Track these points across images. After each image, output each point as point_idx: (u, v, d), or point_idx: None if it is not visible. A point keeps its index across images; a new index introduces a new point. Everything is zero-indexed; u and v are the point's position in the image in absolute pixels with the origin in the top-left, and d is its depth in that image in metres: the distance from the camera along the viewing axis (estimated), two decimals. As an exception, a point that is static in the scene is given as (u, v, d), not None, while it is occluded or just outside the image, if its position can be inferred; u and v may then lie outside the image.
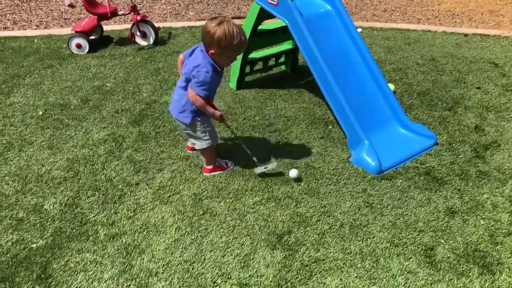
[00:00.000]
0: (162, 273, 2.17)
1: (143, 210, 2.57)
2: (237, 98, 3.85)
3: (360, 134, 3.06)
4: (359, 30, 5.47)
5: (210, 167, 2.87)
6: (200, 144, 2.74)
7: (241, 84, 4.02)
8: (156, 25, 5.09)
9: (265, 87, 4.06)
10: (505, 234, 2.47)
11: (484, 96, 3.98)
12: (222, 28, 2.29)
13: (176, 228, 2.44)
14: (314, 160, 3.06)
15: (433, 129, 3.44)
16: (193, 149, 3.08)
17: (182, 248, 2.32)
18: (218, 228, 2.46)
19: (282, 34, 3.84)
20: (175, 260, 2.24)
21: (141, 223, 2.48)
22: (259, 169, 2.82)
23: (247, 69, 4.05)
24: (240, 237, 2.40)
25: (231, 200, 2.66)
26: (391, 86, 3.86)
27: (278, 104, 3.78)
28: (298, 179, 2.65)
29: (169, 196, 2.68)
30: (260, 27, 3.72)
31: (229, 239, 2.38)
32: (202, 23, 5.83)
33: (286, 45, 4.23)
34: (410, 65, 4.59)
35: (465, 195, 2.76)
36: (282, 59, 4.35)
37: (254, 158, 2.82)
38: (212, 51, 2.37)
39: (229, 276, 2.16)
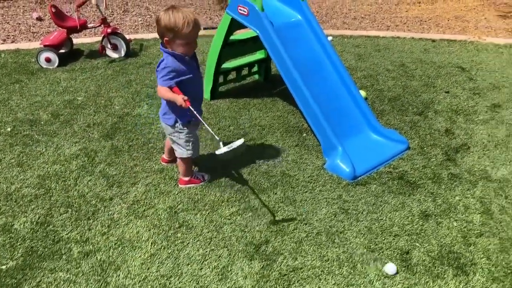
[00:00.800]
0: (139, 289, 2.14)
1: (117, 226, 2.52)
2: (211, 109, 3.84)
3: (334, 141, 3.09)
4: (330, 38, 5.55)
5: (186, 178, 2.85)
6: (181, 152, 2.71)
7: (215, 94, 4.01)
8: (127, 37, 5.06)
9: (239, 96, 4.07)
10: (477, 235, 2.53)
11: (453, 100, 4.08)
12: (167, 13, 2.30)
13: (152, 243, 2.41)
14: (290, 168, 3.08)
15: (405, 133, 3.50)
16: (168, 161, 3.05)
17: (158, 263, 2.28)
18: (195, 241, 2.43)
19: (254, 43, 3.86)
20: (151, 276, 2.21)
21: (116, 238, 2.43)
22: (222, 150, 2.31)
23: (221, 79, 4.05)
24: (217, 249, 2.38)
25: (207, 212, 2.64)
26: (363, 93, 3.92)
27: (252, 113, 3.79)
28: (395, 273, 2.27)
29: (144, 210, 2.64)
30: (232, 37, 3.73)
31: (206, 251, 2.36)
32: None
33: (259, 55, 4.25)
34: (381, 72, 4.68)
35: (438, 198, 2.81)
36: (255, 69, 4.37)
37: (216, 137, 2.42)
38: (166, 38, 2.36)
39: (207, 289, 2.14)
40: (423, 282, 2.22)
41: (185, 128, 2.61)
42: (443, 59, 5.06)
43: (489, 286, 2.21)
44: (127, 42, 4.90)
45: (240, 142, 2.37)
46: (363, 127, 3.40)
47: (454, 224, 2.61)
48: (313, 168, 3.09)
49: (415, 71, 4.71)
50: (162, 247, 2.38)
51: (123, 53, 4.90)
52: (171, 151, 2.84)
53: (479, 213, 2.70)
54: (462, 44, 5.60)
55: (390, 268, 2.27)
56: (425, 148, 3.33)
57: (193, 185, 2.85)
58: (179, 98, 2.38)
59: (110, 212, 2.63)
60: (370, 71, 4.69)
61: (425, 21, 6.72)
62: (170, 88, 2.43)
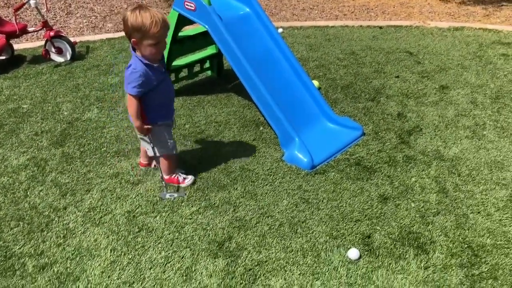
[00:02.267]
0: (100, 299, 2.06)
1: (73, 235, 2.42)
2: (164, 108, 3.76)
3: (291, 132, 3.10)
4: (280, 30, 5.57)
5: (167, 177, 2.80)
6: (150, 151, 2.64)
7: (168, 93, 3.92)
8: (72, 39, 4.87)
9: (193, 94, 4.00)
10: (434, 214, 2.60)
11: (403, 84, 4.18)
12: (134, 13, 2.21)
13: (111, 250, 2.32)
14: (249, 162, 3.05)
15: (359, 120, 3.55)
16: (146, 165, 2.96)
17: (119, 270, 2.21)
18: (156, 243, 2.37)
19: (204, 39, 3.80)
20: (113, 283, 2.13)
21: (73, 249, 2.33)
22: (165, 195, 2.71)
23: (172, 77, 3.97)
24: (180, 250, 2.33)
25: (167, 213, 2.58)
26: (316, 83, 3.95)
27: (207, 110, 3.73)
28: (359, 258, 2.31)
29: (100, 217, 2.55)
30: (180, 34, 3.66)
31: (169, 253, 2.31)
32: (122, 34, 5.65)
33: (210, 50, 4.20)
34: (332, 61, 4.73)
35: (395, 181, 2.87)
36: (207, 65, 4.31)
37: (163, 183, 2.76)
38: (133, 39, 2.27)
39: (172, 292, 2.09)
40: (386, 264, 2.26)
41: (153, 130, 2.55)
42: (391, 45, 5.17)
43: (448, 262, 2.28)
44: (73, 45, 4.71)
45: (181, 194, 2.72)
46: (318, 116, 3.42)
47: (412, 205, 2.67)
48: (272, 160, 3.08)
49: (365, 58, 4.79)
50: (122, 253, 2.30)
51: (68, 57, 4.72)
52: (147, 154, 2.79)
53: (435, 192, 2.77)
54: (408, 30, 5.75)
55: (353, 253, 2.29)
56: (379, 133, 3.39)
57: (174, 184, 2.80)
58: (144, 127, 2.47)
59: (65, 222, 2.52)
60: (322, 60, 4.73)
61: (372, 9, 6.86)
62: (139, 97, 2.37)
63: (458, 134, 3.38)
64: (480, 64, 4.60)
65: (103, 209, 2.61)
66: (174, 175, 2.82)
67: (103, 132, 3.40)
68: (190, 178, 2.84)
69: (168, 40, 3.53)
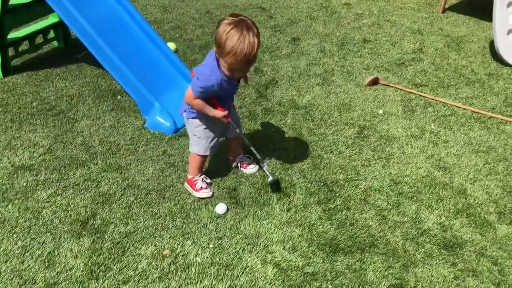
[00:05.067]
0: (-51, 305, 1.85)
1: None
2: (6, 87, 3.38)
3: (149, 98, 3.02)
4: (130, -8, 5.28)
5: (190, 176, 2.48)
6: (190, 145, 2.45)
7: (8, 69, 3.52)
8: None
9: (39, 68, 3.65)
10: (293, 159, 2.76)
11: (257, 40, 4.28)
12: (226, 27, 1.94)
13: (-44, 251, 2.08)
14: (108, 134, 2.92)
15: (218, 78, 3.57)
16: (233, 161, 2.70)
17: (-31, 271, 2.00)
18: (10, 234, 2.17)
19: (41, 6, 3.43)
20: (-38, 286, 1.92)
21: None
22: (272, 179, 2.47)
23: (12, 52, 3.56)
24: (39, 237, 2.17)
25: (20, 201, 2.37)
26: (172, 45, 3.86)
27: (57, 84, 3.45)
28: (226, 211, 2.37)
29: None
30: (12, 2, 3.28)
31: (26, 242, 2.14)
32: None
33: (52, 19, 3.84)
34: (188, 21, 4.65)
35: (256, 133, 2.98)
36: (51, 35, 3.94)
37: (265, 165, 2.53)
38: (215, 49, 2.04)
39: (34, 281, 1.95)
40: (252, 212, 2.36)
41: (190, 121, 2.37)
42: (244, 1, 5.24)
43: (307, 201, 2.46)
44: None
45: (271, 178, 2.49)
46: (176, 78, 3.37)
47: (272, 153, 2.80)
48: (133, 129, 2.99)
49: (220, 16, 4.78)
50: (-29, 252, 2.08)
51: None
52: (232, 150, 2.64)
53: (292, 139, 2.94)
54: (260, -15, 5.85)
55: (220, 208, 2.35)
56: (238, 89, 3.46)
57: (190, 188, 2.49)
58: (218, 115, 2.23)
59: None
60: (177, 22, 4.63)
61: (224, -33, 6.83)
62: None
63: (310, 82, 3.60)
64: (327, 14, 4.90)
65: None
66: (195, 178, 2.49)
67: None
68: (207, 192, 2.47)
69: (-3, 10, 3.15)
